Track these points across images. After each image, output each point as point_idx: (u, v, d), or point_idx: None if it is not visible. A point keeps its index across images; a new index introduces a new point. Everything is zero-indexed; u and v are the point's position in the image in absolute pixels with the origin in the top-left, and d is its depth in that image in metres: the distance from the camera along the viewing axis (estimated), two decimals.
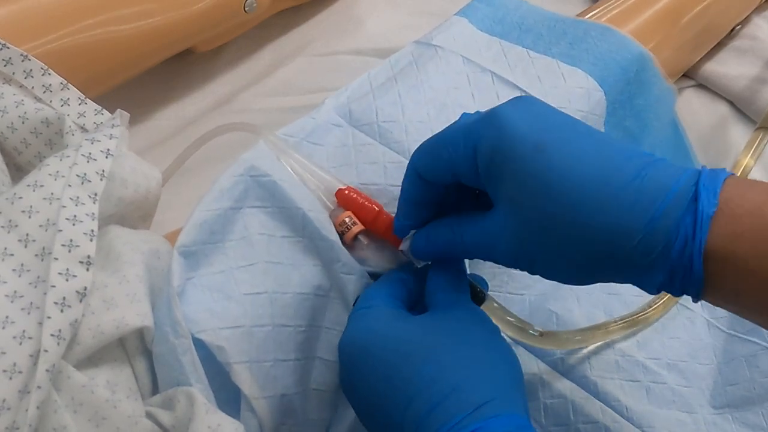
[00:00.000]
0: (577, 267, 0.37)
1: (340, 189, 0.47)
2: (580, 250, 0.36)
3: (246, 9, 0.72)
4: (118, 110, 0.50)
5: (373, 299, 0.43)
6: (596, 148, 0.36)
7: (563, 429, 0.51)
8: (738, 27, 0.82)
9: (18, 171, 0.52)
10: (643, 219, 0.34)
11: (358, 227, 0.46)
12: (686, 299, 0.59)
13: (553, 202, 0.35)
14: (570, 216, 0.35)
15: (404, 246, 0.45)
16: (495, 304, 0.47)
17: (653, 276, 0.35)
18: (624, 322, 0.54)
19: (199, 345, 0.41)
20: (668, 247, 0.33)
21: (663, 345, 0.56)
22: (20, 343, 0.37)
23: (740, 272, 0.33)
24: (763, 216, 0.32)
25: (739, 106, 0.77)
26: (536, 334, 0.49)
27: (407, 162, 0.50)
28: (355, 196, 0.47)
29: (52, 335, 0.37)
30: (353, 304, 0.45)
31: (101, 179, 0.43)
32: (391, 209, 0.47)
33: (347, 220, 0.46)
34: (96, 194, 0.43)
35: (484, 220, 0.39)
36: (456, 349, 0.38)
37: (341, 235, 0.46)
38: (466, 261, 0.52)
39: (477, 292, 0.46)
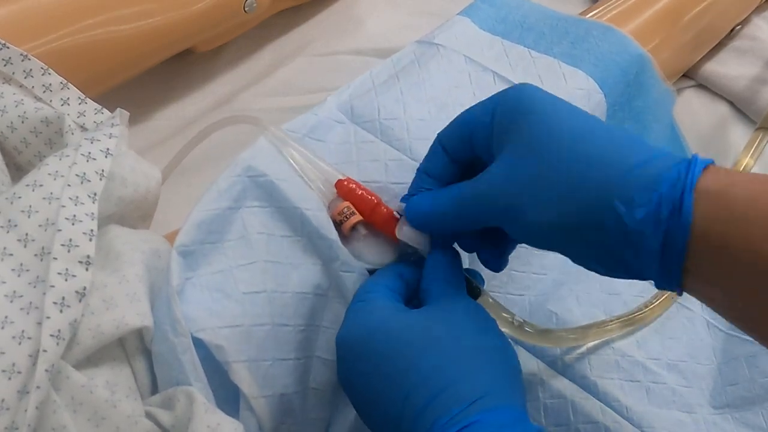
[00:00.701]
0: (564, 215, 0.37)
1: (339, 180, 0.47)
2: (573, 182, 0.36)
3: (246, 9, 0.72)
4: (118, 109, 0.50)
5: (370, 293, 0.43)
6: (602, 124, 0.39)
7: (563, 429, 0.51)
8: (738, 27, 0.82)
9: (18, 170, 0.52)
10: (642, 154, 0.35)
11: (357, 217, 0.47)
12: (686, 300, 0.59)
13: (561, 145, 0.37)
14: (571, 156, 0.37)
15: (400, 208, 0.45)
16: (490, 300, 0.47)
17: (637, 208, 0.34)
18: (620, 321, 0.54)
19: (198, 344, 0.41)
20: (659, 179, 0.34)
21: (663, 345, 0.56)
22: (19, 343, 0.36)
23: (731, 214, 0.33)
24: (755, 177, 0.34)
25: (739, 106, 0.77)
26: (531, 331, 0.49)
27: (408, 160, 0.50)
28: (354, 187, 0.47)
29: (51, 335, 0.37)
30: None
31: (101, 179, 0.43)
32: (393, 206, 0.47)
33: (346, 209, 0.47)
34: (95, 194, 0.43)
35: (481, 175, 0.41)
36: (453, 342, 0.39)
37: (339, 224, 0.47)
38: (467, 257, 0.52)
39: (473, 287, 0.46)
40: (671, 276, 0.35)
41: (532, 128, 0.38)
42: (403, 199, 0.46)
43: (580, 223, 0.36)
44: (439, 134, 0.44)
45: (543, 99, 0.39)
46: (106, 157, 0.44)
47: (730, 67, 0.79)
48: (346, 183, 0.47)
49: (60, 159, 0.43)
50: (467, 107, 0.50)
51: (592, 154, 0.36)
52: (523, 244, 0.56)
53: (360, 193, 0.47)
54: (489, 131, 0.41)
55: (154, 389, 0.43)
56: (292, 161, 0.48)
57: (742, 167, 0.66)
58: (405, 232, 0.45)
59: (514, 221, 0.39)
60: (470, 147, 0.42)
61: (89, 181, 0.43)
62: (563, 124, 0.38)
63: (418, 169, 0.45)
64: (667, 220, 0.34)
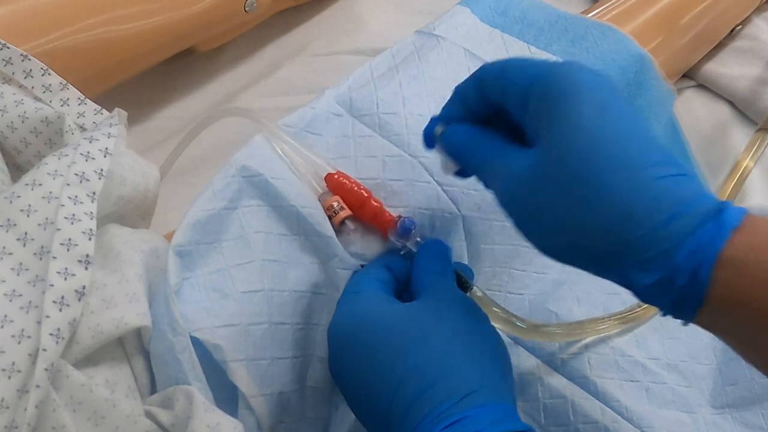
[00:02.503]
0: (576, 235, 0.35)
1: (329, 174, 0.48)
2: (590, 218, 0.34)
3: (246, 9, 0.72)
4: (116, 109, 0.50)
5: (361, 284, 0.43)
6: (648, 137, 0.36)
7: (563, 429, 0.51)
8: (738, 27, 0.82)
9: (18, 171, 0.52)
10: (666, 211, 0.33)
11: (346, 212, 0.47)
12: None
13: (593, 164, 0.34)
14: (600, 183, 0.34)
15: (438, 130, 0.43)
16: (479, 294, 0.47)
17: (649, 273, 0.34)
18: (615, 319, 0.54)
19: (196, 344, 0.41)
20: (678, 245, 0.33)
21: (663, 345, 0.56)
22: (19, 342, 0.37)
23: (749, 281, 0.32)
24: None
25: (740, 106, 0.77)
26: (523, 326, 0.49)
27: (407, 156, 0.50)
28: (344, 180, 0.47)
29: (50, 334, 0.37)
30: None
31: (99, 178, 0.43)
32: (390, 203, 0.47)
33: (335, 204, 0.47)
34: (94, 193, 0.43)
35: (516, 153, 0.38)
36: (444, 337, 0.39)
37: (329, 219, 0.47)
38: (466, 257, 0.52)
39: (462, 282, 0.46)
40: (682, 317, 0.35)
41: (575, 135, 0.35)
42: (430, 127, 0.43)
43: (593, 243, 0.35)
44: (482, 68, 0.40)
45: (591, 98, 0.36)
46: (105, 156, 0.44)
47: (730, 68, 0.79)
48: (336, 177, 0.47)
49: (59, 158, 0.43)
50: None
51: (623, 197, 0.34)
52: (524, 242, 0.56)
53: (350, 186, 0.47)
54: (525, 99, 0.38)
55: (154, 389, 0.43)
56: (281, 154, 0.48)
57: (742, 169, 0.66)
58: (397, 237, 0.46)
59: (523, 215, 0.38)
60: (499, 101, 0.39)
61: (88, 180, 0.43)
62: (609, 140, 0.35)
63: (451, 97, 0.42)
64: (681, 288, 0.33)
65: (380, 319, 0.40)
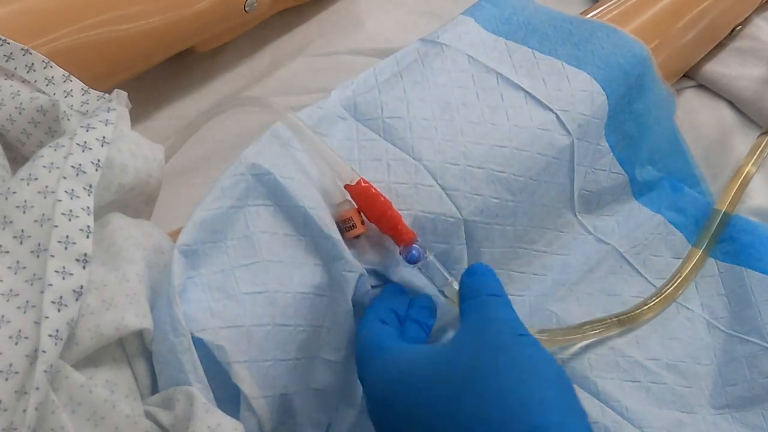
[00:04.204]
0: None
1: (347, 185, 0.47)
2: None
3: (246, 9, 0.72)
4: (116, 90, 0.49)
5: (378, 340, 0.41)
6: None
7: None
8: (738, 27, 0.82)
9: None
10: None
11: (360, 229, 0.46)
12: (686, 300, 0.59)
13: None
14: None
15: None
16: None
17: None
18: (612, 322, 0.54)
19: (199, 344, 0.41)
20: None
21: (663, 345, 0.56)
22: (16, 343, 0.36)
23: None
24: None
25: (740, 107, 0.77)
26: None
27: (411, 159, 0.50)
28: (366, 186, 0.47)
29: (50, 335, 0.36)
30: (356, 315, 0.45)
31: (96, 169, 0.42)
32: (394, 206, 0.47)
33: (351, 218, 0.46)
34: (91, 186, 0.42)
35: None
36: (495, 378, 0.34)
37: (344, 231, 0.46)
38: (466, 261, 0.52)
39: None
40: None
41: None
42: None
43: None
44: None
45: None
46: (102, 146, 0.43)
47: (730, 68, 0.79)
48: (359, 183, 0.47)
49: (55, 149, 0.42)
50: (471, 107, 0.50)
51: None
52: (523, 245, 0.56)
53: (374, 192, 0.47)
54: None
55: (155, 390, 0.42)
56: (305, 146, 0.48)
57: (744, 174, 0.66)
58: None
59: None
60: None
61: (85, 172, 0.42)
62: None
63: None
64: None
65: (421, 378, 0.36)
